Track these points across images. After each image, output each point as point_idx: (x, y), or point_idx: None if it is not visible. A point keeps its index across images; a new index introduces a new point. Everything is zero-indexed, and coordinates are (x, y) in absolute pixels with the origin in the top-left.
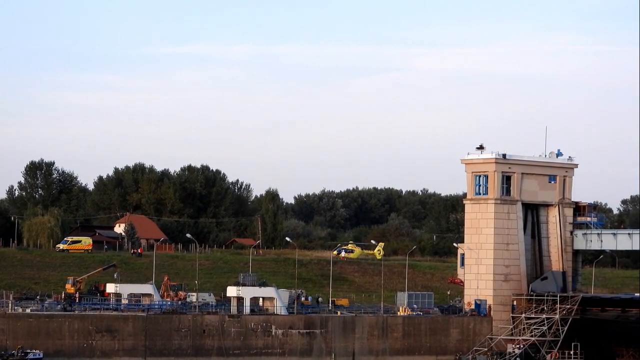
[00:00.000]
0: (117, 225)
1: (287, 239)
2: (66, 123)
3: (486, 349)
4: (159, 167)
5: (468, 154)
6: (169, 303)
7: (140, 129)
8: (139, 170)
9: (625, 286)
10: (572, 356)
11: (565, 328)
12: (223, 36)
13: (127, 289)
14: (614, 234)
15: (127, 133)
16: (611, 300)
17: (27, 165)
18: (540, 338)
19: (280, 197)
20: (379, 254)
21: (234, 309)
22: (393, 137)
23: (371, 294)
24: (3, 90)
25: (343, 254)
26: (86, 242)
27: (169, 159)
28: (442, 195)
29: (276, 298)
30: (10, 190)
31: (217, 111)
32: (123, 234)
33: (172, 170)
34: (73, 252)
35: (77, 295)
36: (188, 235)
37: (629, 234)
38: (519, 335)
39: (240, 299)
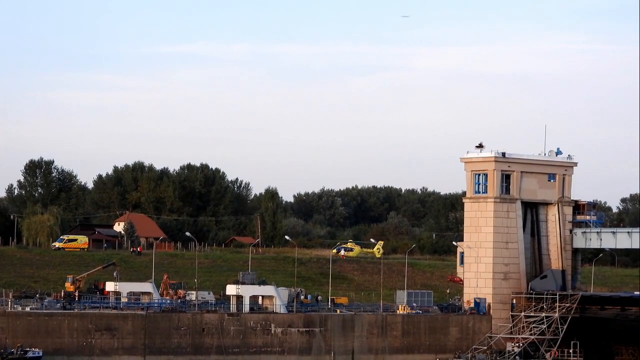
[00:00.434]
0: (116, 223)
1: (287, 237)
2: (66, 122)
3: (485, 348)
4: (158, 166)
5: (467, 152)
6: (169, 301)
7: (140, 128)
8: (139, 169)
9: (625, 285)
10: (572, 355)
11: (565, 326)
12: (222, 35)
13: (126, 288)
14: (613, 233)
15: (127, 132)
16: (610, 298)
17: (26, 164)
18: (540, 336)
19: (280, 195)
20: (378, 252)
21: (233, 308)
22: (392, 136)
23: (370, 293)
24: (2, 89)
25: (342, 252)
26: (82, 240)
27: (168, 157)
28: (441, 193)
29: (275, 296)
30: (10, 189)
31: (217, 110)
32: (122, 232)
33: (171, 169)
34: (69, 251)
35: (76, 293)
36: (187, 233)
37: (628, 232)
38: (518, 334)
39: (239, 298)
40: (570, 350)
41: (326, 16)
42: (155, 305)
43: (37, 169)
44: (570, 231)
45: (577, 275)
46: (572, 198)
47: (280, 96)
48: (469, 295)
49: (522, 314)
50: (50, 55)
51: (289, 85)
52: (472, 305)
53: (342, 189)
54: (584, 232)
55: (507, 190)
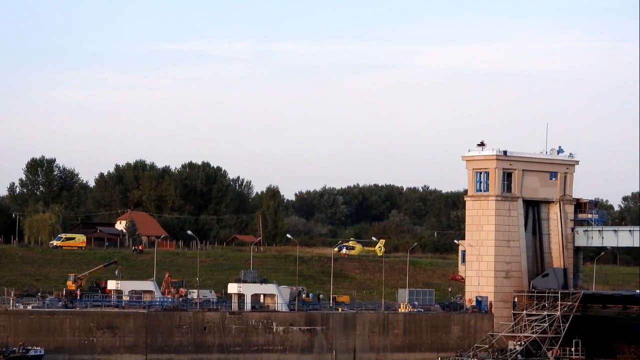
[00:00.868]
0: (118, 222)
1: (288, 235)
2: (67, 120)
3: (487, 346)
4: (159, 164)
5: (469, 150)
6: (170, 300)
7: (141, 126)
8: (140, 167)
9: (627, 283)
10: (574, 353)
11: (567, 325)
12: (223, 33)
13: (128, 286)
14: (615, 231)
15: (128, 130)
16: (612, 297)
17: (28, 162)
18: (542, 335)
19: (281, 194)
20: (380, 250)
21: (235, 306)
22: (394, 134)
23: (372, 291)
24: (4, 87)
25: (344, 250)
26: (80, 239)
27: (170, 155)
28: (442, 192)
29: (277, 295)
30: (11, 187)
31: (218, 108)
32: (124, 230)
33: (173, 167)
34: (67, 249)
35: (78, 292)
36: (189, 232)
37: (630, 230)
38: (520, 332)
39: (241, 296)
40: (572, 349)
41: (327, 14)
42: (157, 303)
43: (39, 167)
44: (572, 229)
45: (578, 273)
46: (573, 196)
47: (281, 94)
48: (471, 293)
49: (524, 312)
50: (51, 53)
51: (290, 83)
52: (474, 303)
53: (343, 187)
54: (586, 230)
55: (509, 189)
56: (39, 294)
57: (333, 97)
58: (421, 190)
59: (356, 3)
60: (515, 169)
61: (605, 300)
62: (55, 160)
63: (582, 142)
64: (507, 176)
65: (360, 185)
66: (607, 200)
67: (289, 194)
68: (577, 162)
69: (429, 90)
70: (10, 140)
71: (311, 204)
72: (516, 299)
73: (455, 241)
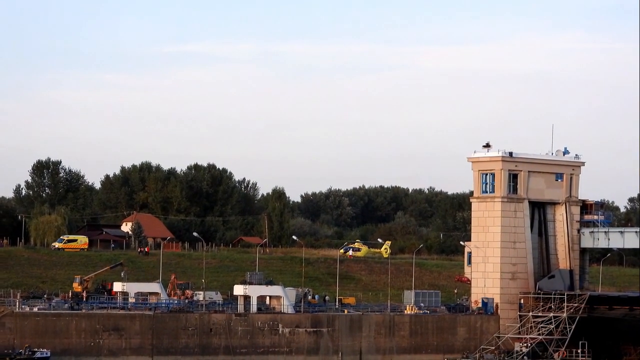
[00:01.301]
0: (124, 224)
1: (294, 237)
2: (72, 122)
3: (493, 348)
4: (165, 166)
5: (475, 152)
6: (176, 302)
7: (147, 128)
8: (146, 169)
9: (633, 284)
10: (580, 355)
11: (573, 326)
12: (227, 35)
13: (134, 288)
14: (621, 232)
15: (134, 132)
16: (619, 298)
17: (33, 165)
18: (548, 336)
19: (287, 195)
20: (386, 252)
21: (240, 308)
22: (399, 135)
23: (378, 293)
24: (8, 89)
25: (350, 252)
26: (82, 240)
27: (176, 157)
28: (448, 193)
29: (283, 297)
30: (17, 189)
31: (223, 109)
32: (130, 232)
33: (178, 169)
34: (69, 251)
35: (84, 294)
36: (195, 233)
37: (636, 232)
38: (527, 334)
39: (247, 298)
40: (579, 350)
41: (330, 16)
42: (163, 305)
43: (45, 170)
44: (578, 231)
45: (584, 275)
46: (579, 198)
47: (286, 96)
48: (477, 295)
49: (530, 314)
50: (56, 54)
51: (295, 84)
52: (480, 305)
53: (349, 189)
54: (592, 231)
55: (515, 190)
56: (45, 295)
57: (338, 99)
58: (427, 191)
59: (359, 4)
60: (521, 170)
61: (612, 301)
62: (61, 162)
63: (588, 143)
64: (513, 177)
65: (366, 187)
66: (613, 202)
67: (294, 195)
68: (582, 164)
69: (433, 92)
70: (15, 142)
71: (317, 206)
72: (522, 301)
73: (461, 243)
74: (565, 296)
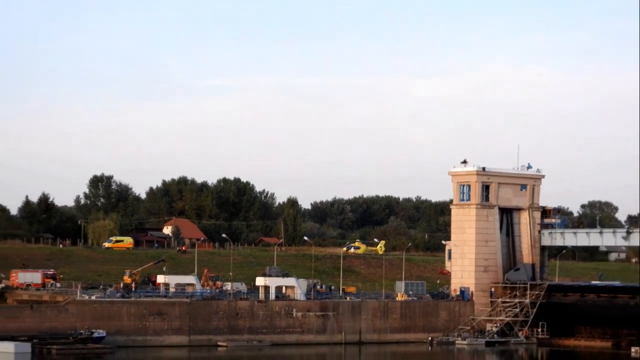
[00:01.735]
0: (165, 227)
1: (305, 238)
2: (123, 142)
3: (469, 328)
4: (199, 180)
5: (454, 167)
6: (209, 291)
7: (183, 147)
8: (183, 182)
9: (584, 275)
10: (540, 333)
11: (534, 310)
12: (248, 71)
13: (174, 280)
14: (575, 233)
15: (173, 150)
16: (572, 287)
17: (90, 179)
18: (514, 318)
19: (299, 203)
20: (381, 250)
21: (261, 296)
22: (392, 153)
23: (374, 283)
24: (72, 114)
25: (351, 250)
26: (127, 241)
27: (207, 172)
28: (432, 201)
29: (296, 286)
30: (77, 199)
31: (246, 131)
32: (170, 234)
33: (209, 182)
34: (116, 249)
35: (133, 285)
36: (223, 235)
37: (586, 232)
38: (496, 316)
39: (266, 288)
40: (539, 330)
41: (336, 52)
42: (198, 294)
43: (100, 183)
44: (539, 232)
45: (544, 268)
46: (540, 204)
47: (299, 121)
48: (456, 284)
49: (499, 300)
50: (112, 84)
51: (305, 110)
52: (458, 293)
53: (350, 198)
54: (550, 232)
55: (487, 198)
56: (101, 286)
57: (342, 122)
58: (414, 200)
59: (360, 44)
60: (492, 182)
61: (566, 289)
62: (112, 176)
63: (547, 159)
64: (485, 188)
65: (364, 196)
66: (568, 208)
67: (305, 203)
68: (543, 176)
69: (422, 116)
70: (75, 160)
71: (324, 212)
72: (493, 289)
73: (443, 242)
74: (528, 285)
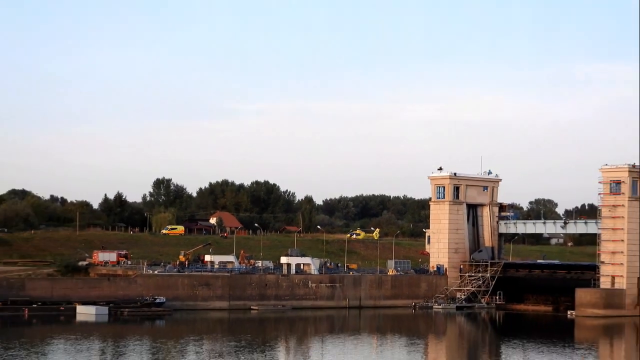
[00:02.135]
0: (211, 218)
1: (318, 227)
2: (179, 153)
3: (444, 295)
4: (237, 182)
5: (432, 172)
6: (244, 267)
7: (226, 156)
8: (225, 184)
9: (531, 255)
10: (497, 299)
11: (493, 282)
12: (276, 97)
13: (217, 259)
14: (524, 223)
15: (217, 159)
16: (522, 264)
17: (154, 181)
18: (477, 288)
19: (314, 200)
20: (376, 236)
21: (285, 271)
22: (385, 161)
23: (371, 262)
24: (140, 131)
25: (353, 236)
26: (179, 229)
27: (244, 176)
28: (416, 198)
29: (311, 264)
30: (144, 197)
31: (274, 144)
32: (215, 224)
33: (245, 184)
34: (172, 235)
35: (186, 262)
36: (255, 224)
37: (533, 223)
38: (464, 287)
39: (289, 265)
40: (497, 297)
41: (342, 84)
42: (236, 269)
43: (161, 184)
44: (497, 222)
45: (501, 250)
46: (498, 201)
47: (314, 136)
48: (433, 262)
49: (467, 274)
50: (171, 109)
51: (318, 128)
52: (435, 269)
53: (353, 196)
54: (506, 223)
55: (457, 197)
56: (162, 263)
57: (347, 137)
58: (402, 197)
59: (360, 77)
60: (461, 184)
61: (518, 266)
62: (171, 179)
63: (503, 166)
64: (456, 189)
65: (364, 195)
66: (519, 204)
67: (319, 200)
68: (500, 180)
69: (410, 133)
70: (143, 166)
71: (332, 207)
72: (462, 266)
73: (424, 230)
74: (489, 263)
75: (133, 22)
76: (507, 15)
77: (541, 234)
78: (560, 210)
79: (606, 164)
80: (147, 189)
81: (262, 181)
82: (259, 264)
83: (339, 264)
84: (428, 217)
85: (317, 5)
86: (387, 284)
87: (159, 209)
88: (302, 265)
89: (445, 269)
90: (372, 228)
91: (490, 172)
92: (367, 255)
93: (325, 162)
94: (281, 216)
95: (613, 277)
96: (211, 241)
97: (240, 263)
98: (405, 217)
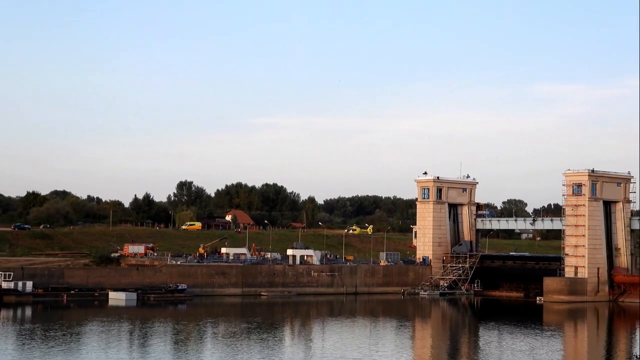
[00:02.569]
0: (227, 216)
1: (320, 223)
2: (200, 159)
3: (429, 283)
4: (250, 184)
5: (418, 176)
6: (255, 258)
7: (240, 162)
8: (239, 186)
9: (504, 249)
10: (475, 287)
11: (472, 272)
12: (285, 112)
13: (232, 251)
14: (498, 220)
15: (233, 164)
16: (497, 256)
17: (178, 183)
18: (458, 277)
19: (316, 200)
20: (370, 231)
21: (290, 262)
22: (378, 167)
23: (365, 254)
24: (165, 141)
25: (350, 231)
26: (197, 224)
27: (255, 179)
28: (404, 199)
29: (313, 255)
30: (169, 197)
31: (282, 152)
32: (230, 221)
33: (257, 186)
34: (191, 230)
35: (205, 254)
36: (265, 221)
37: (506, 220)
38: (447, 276)
39: (294, 256)
40: (475, 285)
41: (340, 102)
42: (248, 260)
43: (184, 186)
44: (475, 219)
45: (478, 243)
46: (475, 201)
47: (317, 145)
48: (420, 254)
49: (449, 265)
50: (196, 122)
51: (321, 139)
52: (421, 260)
53: (350, 196)
54: (482, 220)
55: (440, 197)
56: (184, 255)
57: (345, 146)
58: (392, 198)
59: (356, 96)
60: (444, 187)
61: (493, 258)
62: (192, 182)
63: (480, 171)
64: (439, 190)
65: (359, 195)
66: (494, 203)
67: (320, 200)
68: (477, 183)
69: (400, 142)
70: (168, 170)
71: (332, 206)
72: (444, 258)
73: (411, 226)
74: (468, 255)
75: (162, 49)
76: (480, 44)
77: (513, 230)
78: (529, 209)
79: (569, 169)
80: (172, 190)
81: (271, 184)
82: (268, 255)
83: (338, 256)
84: (415, 215)
85: (318, 33)
86: (380, 273)
87: (182, 207)
88: (305, 256)
89: (430, 260)
90: (367, 224)
91: (468, 176)
92: (362, 248)
93: (326, 167)
94: (288, 214)
95: (576, 268)
96: (227, 236)
97: (252, 255)
98: (395, 215)
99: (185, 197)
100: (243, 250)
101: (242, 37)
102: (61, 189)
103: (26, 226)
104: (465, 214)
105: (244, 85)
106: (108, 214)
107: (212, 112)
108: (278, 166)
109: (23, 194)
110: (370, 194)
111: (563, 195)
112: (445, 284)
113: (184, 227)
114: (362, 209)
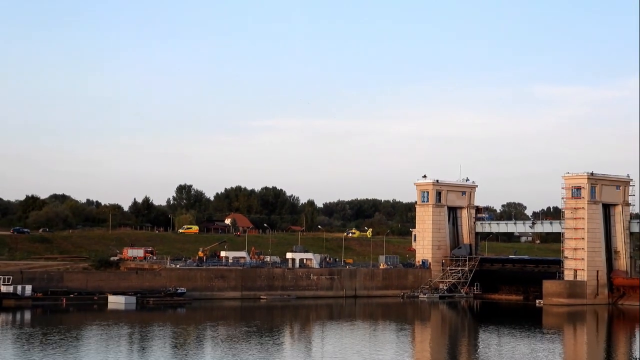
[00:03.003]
0: (226, 219)
1: (319, 226)
2: (199, 163)
3: (428, 286)
4: (249, 187)
5: (418, 179)
6: (255, 262)
7: (239, 165)
8: (238, 189)
9: (504, 252)
10: (475, 290)
11: (471, 275)
12: (285, 115)
13: (232, 254)
14: (498, 223)
15: (233, 167)
16: (496, 259)
17: (177, 187)
18: (457, 280)
19: (315, 203)
20: (369, 234)
21: (290, 265)
22: (378, 170)
23: (365, 257)
24: (165, 145)
25: (350, 234)
26: (194, 228)
27: (255, 182)
28: (403, 202)
29: (313, 259)
30: (168, 201)
31: (282, 156)
32: (230, 224)
33: (256, 189)
34: (189, 234)
35: (204, 257)
36: (265, 224)
37: (505, 223)
38: (446, 279)
39: (293, 260)
40: (474, 288)
41: (341, 105)
42: (248, 264)
43: (183, 190)
44: (474, 222)
45: (478, 246)
46: (475, 204)
47: (317, 148)
48: (419, 257)
49: (448, 268)
50: (196, 125)
51: (322, 142)
52: (421, 263)
53: (349, 200)
54: (482, 223)
55: (440, 200)
56: (183, 258)
57: (345, 149)
58: (392, 201)
59: (356, 99)
60: (443, 190)
61: (492, 261)
62: (192, 185)
63: (479, 174)
64: (438, 194)
65: (359, 199)
66: (493, 206)
67: (319, 203)
68: (476, 186)
69: (398, 145)
70: (167, 174)
71: (331, 209)
72: (444, 261)
73: (410, 229)
74: (467, 258)
75: (162, 49)
76: (480, 45)
77: (512, 233)
78: (529, 212)
79: (568, 173)
80: (171, 193)
81: (271, 187)
82: (268, 259)
83: (337, 259)
84: (414, 218)
85: (318, 33)
86: (379, 276)
87: (181, 211)
88: (305, 260)
89: (430, 263)
90: (366, 228)
91: (467, 179)
92: (361, 251)
93: (325, 170)
94: (287, 217)
95: (575, 271)
96: (226, 239)
97: (251, 258)
98: (394, 218)
99: (184, 201)
100: (242, 253)
101: (242, 37)
102: (60, 193)
103: (25, 230)
104: (464, 217)
105: (244, 86)
106: (107, 218)
107: (212, 114)
108: (277, 169)
109: (22, 197)
110: (370, 197)
111: (562, 198)
112: (444, 287)
113: (180, 230)
114: (361, 212)
